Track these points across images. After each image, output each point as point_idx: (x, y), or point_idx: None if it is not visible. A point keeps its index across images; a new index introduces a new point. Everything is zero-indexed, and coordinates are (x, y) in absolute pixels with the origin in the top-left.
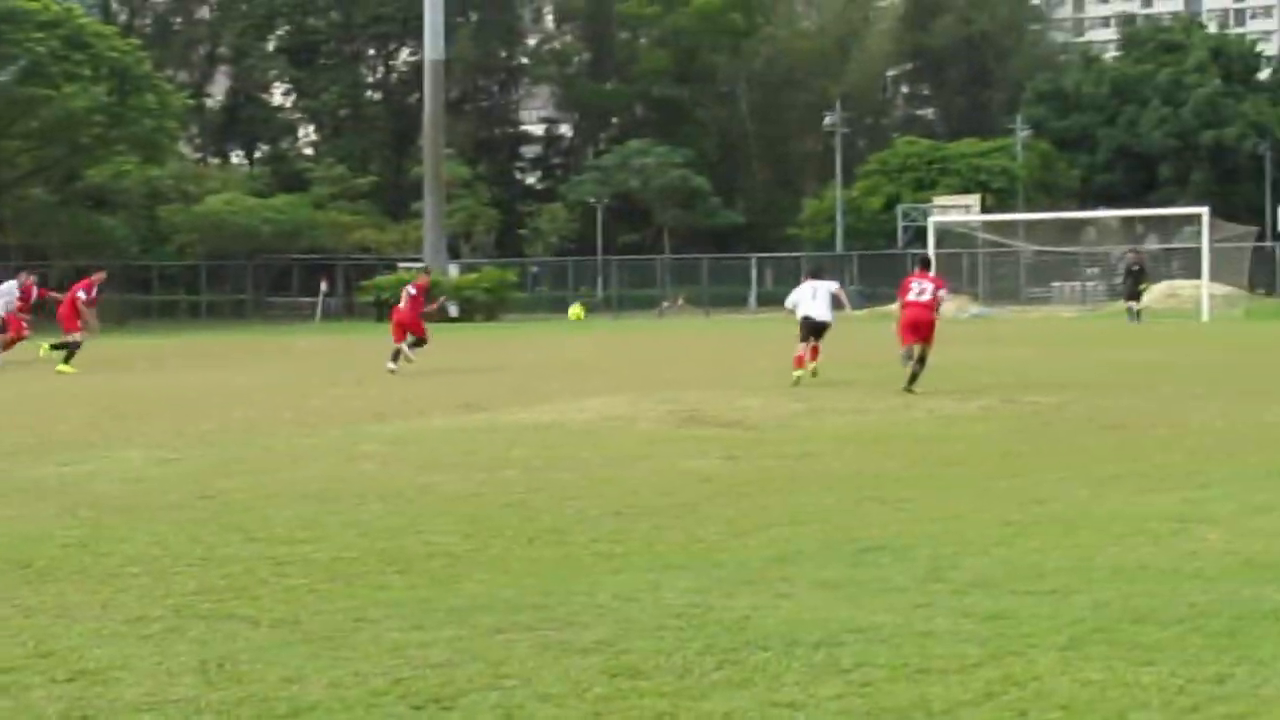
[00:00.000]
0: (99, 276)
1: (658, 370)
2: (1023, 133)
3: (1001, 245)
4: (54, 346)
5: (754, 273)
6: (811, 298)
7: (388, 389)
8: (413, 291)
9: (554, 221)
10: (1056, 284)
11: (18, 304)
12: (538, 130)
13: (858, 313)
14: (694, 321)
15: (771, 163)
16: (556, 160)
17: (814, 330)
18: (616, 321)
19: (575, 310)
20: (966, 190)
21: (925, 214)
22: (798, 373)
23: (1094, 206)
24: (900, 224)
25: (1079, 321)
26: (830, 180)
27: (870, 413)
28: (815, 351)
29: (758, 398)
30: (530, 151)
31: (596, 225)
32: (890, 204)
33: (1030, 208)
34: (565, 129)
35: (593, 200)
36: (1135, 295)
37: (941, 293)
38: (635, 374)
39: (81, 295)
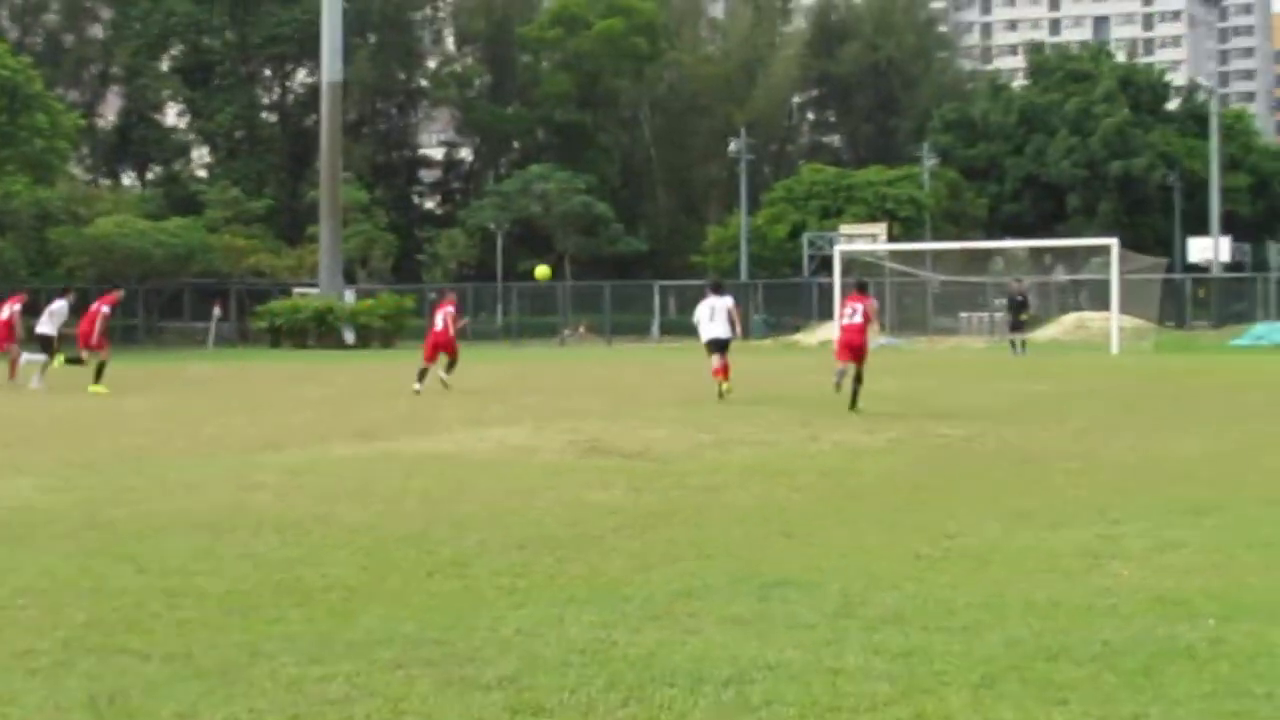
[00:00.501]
0: (120, 294)
1: (559, 399)
2: (930, 161)
3: (908, 275)
4: (93, 371)
5: (657, 300)
6: (709, 318)
7: (282, 417)
8: (451, 311)
9: (453, 247)
10: (964, 314)
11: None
12: (437, 154)
13: (764, 341)
14: (596, 350)
15: (675, 189)
16: (456, 185)
17: (717, 347)
18: (516, 349)
19: (542, 269)
20: (873, 219)
21: (831, 242)
22: (724, 385)
23: (1001, 236)
24: (806, 252)
25: (988, 352)
26: (735, 207)
27: (777, 444)
28: (725, 370)
29: (662, 428)
30: (429, 176)
31: (497, 251)
32: (796, 232)
33: (937, 237)
34: (465, 153)
35: (493, 226)
36: (1018, 326)
37: (873, 305)
38: (536, 403)
39: (106, 311)
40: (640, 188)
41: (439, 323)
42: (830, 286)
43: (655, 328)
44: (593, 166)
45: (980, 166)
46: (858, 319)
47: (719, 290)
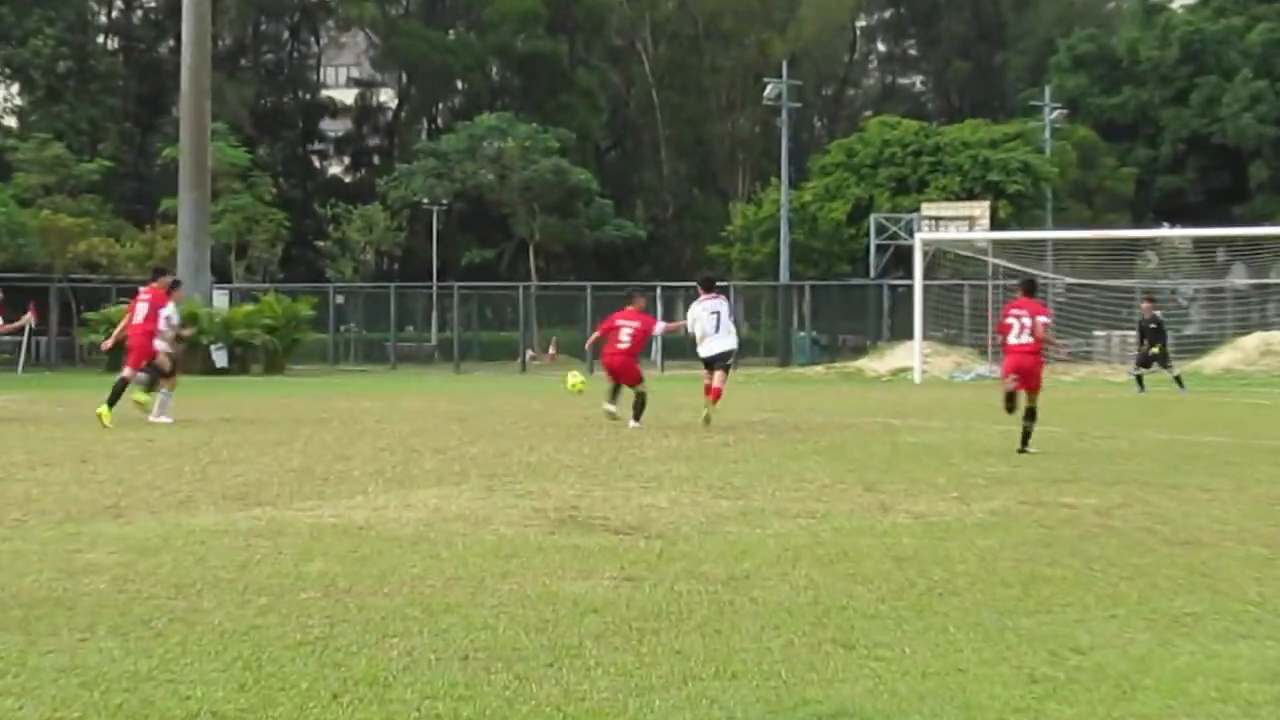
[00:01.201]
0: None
1: (521, 449)
2: (1053, 114)
3: (1020, 276)
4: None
5: (660, 310)
6: (715, 328)
7: (125, 471)
8: (635, 325)
9: (369, 231)
10: (1100, 333)
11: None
12: (346, 97)
13: (813, 368)
14: (571, 379)
15: (687, 152)
16: (374, 142)
17: (722, 363)
18: (461, 377)
19: (575, 379)
20: (970, 195)
21: (910, 228)
22: (711, 409)
23: (1155, 222)
24: (873, 242)
25: (1132, 386)
26: (772, 178)
27: (832, 516)
28: (719, 392)
29: (667, 491)
30: (336, 129)
31: (432, 237)
32: (859, 213)
33: (1062, 221)
34: (386, 97)
35: (426, 201)
36: (1151, 361)
37: (1042, 319)
38: (488, 454)
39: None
40: (637, 149)
41: (624, 338)
42: (905, 291)
43: (657, 349)
44: (569, 117)
45: (1125, 122)
46: (1027, 338)
47: (713, 288)
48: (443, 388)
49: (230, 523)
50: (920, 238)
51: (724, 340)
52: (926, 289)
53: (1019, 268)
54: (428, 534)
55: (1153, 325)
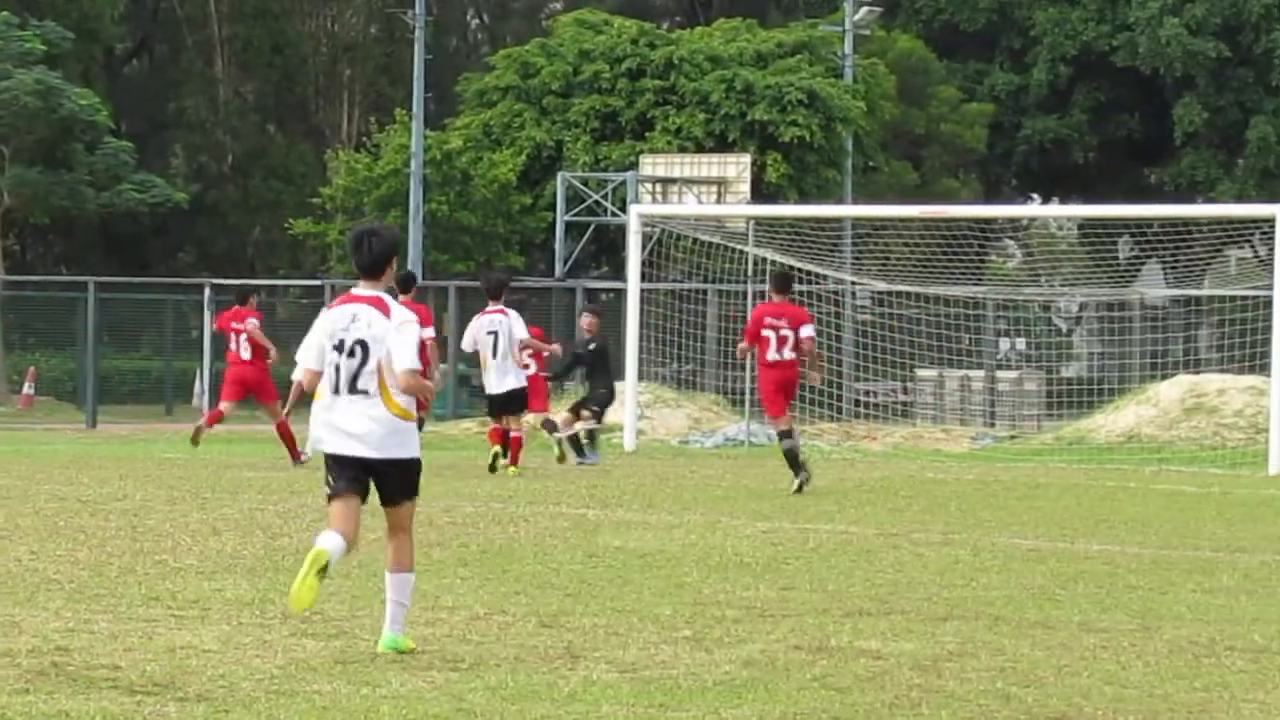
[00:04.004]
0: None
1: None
2: (860, 12)
3: (807, 279)
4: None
5: (207, 321)
6: (494, 354)
7: None
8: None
9: None
10: (927, 373)
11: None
12: None
13: (462, 424)
14: (56, 437)
15: (258, 65)
16: None
17: (503, 407)
18: None
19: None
20: (722, 142)
21: (622, 197)
22: (495, 448)
23: (1019, 193)
24: (561, 218)
25: (988, 461)
26: (399, 111)
27: (486, 667)
28: (517, 443)
29: (216, 625)
30: None
31: None
32: (540, 170)
33: (873, 190)
34: None
35: None
36: (603, 406)
37: (808, 330)
38: None
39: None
40: (176, 58)
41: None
42: (613, 299)
43: (201, 387)
44: (64, 3)
45: (976, 28)
46: (789, 353)
47: (501, 294)
48: None
49: None
50: (638, 212)
51: (507, 374)
52: (647, 296)
53: (799, 263)
54: None
55: (591, 350)
